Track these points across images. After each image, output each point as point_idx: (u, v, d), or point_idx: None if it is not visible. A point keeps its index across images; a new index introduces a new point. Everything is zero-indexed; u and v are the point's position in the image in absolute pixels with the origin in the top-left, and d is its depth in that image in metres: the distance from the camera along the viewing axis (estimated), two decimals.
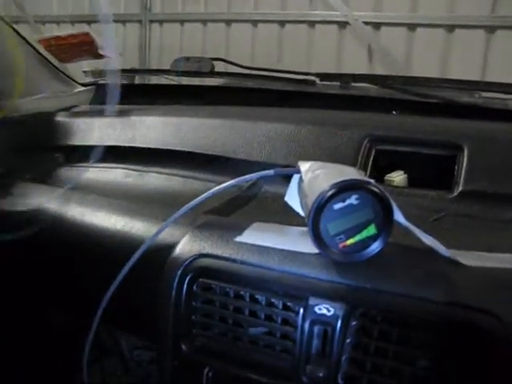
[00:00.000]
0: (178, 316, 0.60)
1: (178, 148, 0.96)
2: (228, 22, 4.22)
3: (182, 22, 4.45)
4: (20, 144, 1.06)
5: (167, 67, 1.37)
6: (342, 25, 3.75)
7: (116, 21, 4.64)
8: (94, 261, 0.72)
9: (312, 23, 3.86)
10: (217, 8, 4.26)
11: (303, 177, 0.60)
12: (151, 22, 4.62)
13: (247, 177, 0.65)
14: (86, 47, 1.17)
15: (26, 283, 0.87)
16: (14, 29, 1.21)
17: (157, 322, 0.62)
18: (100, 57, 1.23)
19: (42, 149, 1.09)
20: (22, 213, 0.85)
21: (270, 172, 0.64)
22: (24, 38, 1.22)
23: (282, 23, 3.98)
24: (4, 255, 0.85)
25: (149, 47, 4.57)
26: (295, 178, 0.66)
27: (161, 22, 4.55)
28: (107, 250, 0.70)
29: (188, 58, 1.23)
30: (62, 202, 0.84)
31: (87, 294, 0.73)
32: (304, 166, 0.63)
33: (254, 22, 4.10)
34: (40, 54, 1.23)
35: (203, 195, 0.64)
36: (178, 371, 0.61)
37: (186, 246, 0.61)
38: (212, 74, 1.22)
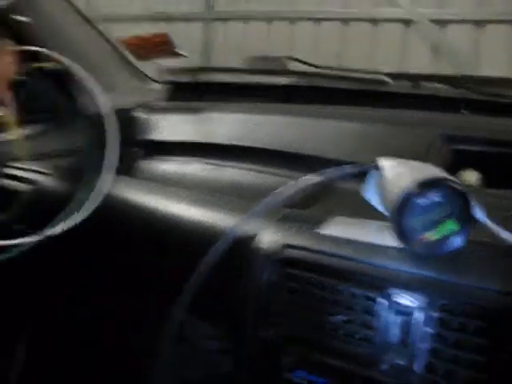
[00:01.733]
0: (262, 304, 0.63)
1: (252, 144, 1.00)
2: (292, 20, 4.25)
3: (245, 19, 4.50)
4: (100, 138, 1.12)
5: (230, 65, 1.42)
6: (406, 22, 3.72)
7: (179, 19, 4.74)
8: (175, 250, 0.76)
9: (375, 21, 3.85)
10: (281, 6, 4.29)
11: (384, 173, 0.63)
12: (215, 20, 4.69)
13: (331, 172, 0.67)
14: (164, 46, 1.22)
15: (111, 271, 0.92)
16: (96, 28, 1.28)
17: (238, 310, 0.66)
18: (177, 56, 1.28)
19: (123, 143, 1.15)
20: (107, 203, 0.90)
21: (353, 168, 0.67)
22: (106, 37, 1.29)
23: (346, 21, 3.98)
24: (90, 243, 0.91)
25: (212, 45, 4.64)
26: (373, 174, 0.68)
27: (224, 20, 4.62)
28: (189, 240, 0.74)
29: (262, 57, 1.26)
30: (145, 194, 0.89)
31: (168, 283, 0.78)
32: (383, 162, 0.66)
33: (318, 20, 4.11)
34: (120, 52, 1.29)
35: (288, 188, 0.67)
36: (259, 358, 0.65)
37: (271, 236, 0.65)
38: (285, 72, 1.25)
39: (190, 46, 4.56)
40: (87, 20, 1.23)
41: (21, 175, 1.03)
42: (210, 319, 0.81)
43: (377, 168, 0.66)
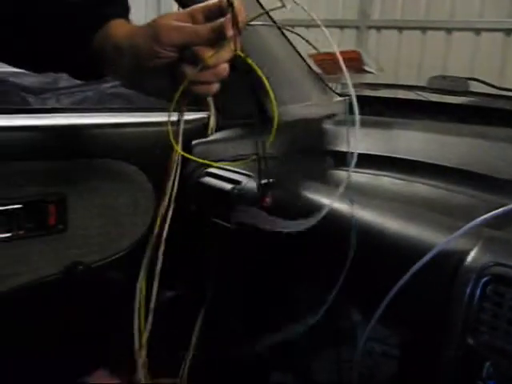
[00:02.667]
0: (469, 314, 0.69)
1: (441, 163, 1.05)
2: (449, 31, 4.19)
3: (400, 29, 4.50)
4: (295, 145, 1.23)
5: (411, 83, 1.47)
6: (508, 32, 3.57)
7: (332, 26, 4.83)
8: (379, 259, 0.84)
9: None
10: (438, 16, 4.25)
11: None
12: (369, 28, 4.73)
13: None
14: (352, 63, 1.31)
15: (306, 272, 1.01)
16: (289, 41, 1.39)
17: (442, 316, 0.72)
18: (364, 72, 1.36)
19: (311, 152, 1.25)
20: (306, 207, 0.99)
21: None
22: (296, 51, 1.40)
23: (508, 32, 3.87)
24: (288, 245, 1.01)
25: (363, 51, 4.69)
26: None
27: (378, 28, 4.66)
28: (393, 250, 0.82)
29: (444, 77, 1.31)
30: (343, 202, 0.97)
31: (370, 289, 0.86)
32: None
33: (477, 31, 4.03)
34: (308, 65, 1.39)
35: (498, 210, 0.72)
36: (460, 361, 0.71)
37: (481, 254, 0.71)
38: (466, 93, 1.29)
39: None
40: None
41: (224, 175, 1.16)
42: (400, 327, 0.87)
43: None
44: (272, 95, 0.89)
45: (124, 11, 0.81)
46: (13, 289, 1.16)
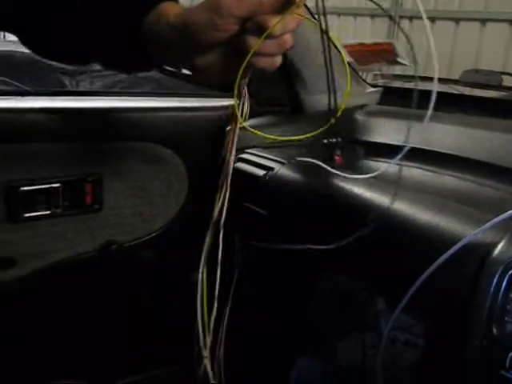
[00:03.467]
0: (494, 304, 0.71)
1: (471, 156, 1.07)
2: (483, 22, 4.14)
3: (433, 19, 4.46)
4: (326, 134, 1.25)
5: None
6: None
7: (364, 15, 4.80)
8: (408, 249, 0.86)
9: None
10: (472, 6, 4.20)
11: None
12: (401, 17, 4.70)
13: None
14: (385, 55, 1.32)
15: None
16: (323, 30, 1.41)
17: (468, 307, 0.75)
18: (396, 64, 1.37)
19: (345, 141, 1.26)
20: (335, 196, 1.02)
21: None
22: (330, 40, 1.41)
23: None
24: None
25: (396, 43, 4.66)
26: None
27: (411, 18, 4.62)
28: (423, 240, 0.84)
29: (478, 71, 1.31)
30: (374, 191, 0.99)
31: (397, 277, 0.88)
32: None
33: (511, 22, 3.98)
34: (342, 55, 1.41)
35: None
36: (485, 350, 0.73)
37: (508, 246, 0.73)
38: (499, 87, 1.30)
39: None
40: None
41: (257, 161, 1.18)
42: (425, 317, 0.89)
43: None
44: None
45: None
46: (51, 264, 1.21)
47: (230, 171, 0.77)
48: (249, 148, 1.24)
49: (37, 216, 1.17)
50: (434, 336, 0.89)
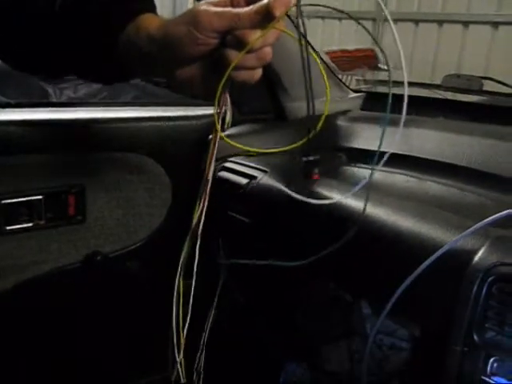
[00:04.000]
0: (475, 311, 0.72)
1: (453, 162, 1.07)
2: (465, 24, 4.18)
3: (416, 21, 4.49)
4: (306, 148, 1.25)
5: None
6: None
7: (348, 17, 4.81)
8: (390, 256, 0.87)
9: None
10: (455, 8, 4.23)
11: None
12: (385, 20, 4.71)
13: None
14: (367, 61, 1.33)
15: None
16: (303, 35, 1.41)
17: (450, 313, 0.75)
18: (378, 69, 1.38)
19: (325, 147, 1.27)
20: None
21: None
22: (311, 46, 1.41)
23: None
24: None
25: (380, 45, 4.67)
26: None
27: (395, 20, 4.62)
28: (404, 247, 0.84)
29: (459, 75, 1.32)
30: (357, 199, 0.99)
31: (380, 284, 0.88)
32: None
33: (495, 25, 4.00)
34: (324, 62, 1.41)
35: (505, 212, 0.75)
36: (466, 356, 0.73)
37: (488, 253, 0.73)
38: (480, 92, 1.31)
39: (358, 45, 4.65)
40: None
41: (240, 170, 1.19)
42: (409, 322, 0.90)
43: None
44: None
45: (152, 7, 0.80)
46: (35, 276, 1.20)
47: (209, 185, 0.77)
48: (232, 156, 1.24)
49: (19, 229, 1.16)
50: (418, 341, 0.90)
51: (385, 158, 0.75)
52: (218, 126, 0.76)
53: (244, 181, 1.15)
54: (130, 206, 1.29)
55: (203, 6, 0.69)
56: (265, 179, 1.12)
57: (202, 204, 0.78)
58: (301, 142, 0.77)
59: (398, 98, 1.40)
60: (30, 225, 1.17)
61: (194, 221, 0.78)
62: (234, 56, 0.68)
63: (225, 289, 1.28)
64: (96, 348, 1.32)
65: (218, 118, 0.77)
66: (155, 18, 0.76)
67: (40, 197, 1.17)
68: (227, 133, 1.37)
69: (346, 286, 0.99)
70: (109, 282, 1.29)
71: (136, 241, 1.31)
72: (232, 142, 0.79)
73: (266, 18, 0.67)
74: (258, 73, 0.73)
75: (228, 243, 1.23)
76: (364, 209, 0.84)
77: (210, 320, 1.31)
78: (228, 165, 1.22)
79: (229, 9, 0.69)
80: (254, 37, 0.67)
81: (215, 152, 0.79)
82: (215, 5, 0.69)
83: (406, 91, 0.69)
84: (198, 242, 0.77)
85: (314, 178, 0.81)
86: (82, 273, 1.26)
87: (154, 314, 1.36)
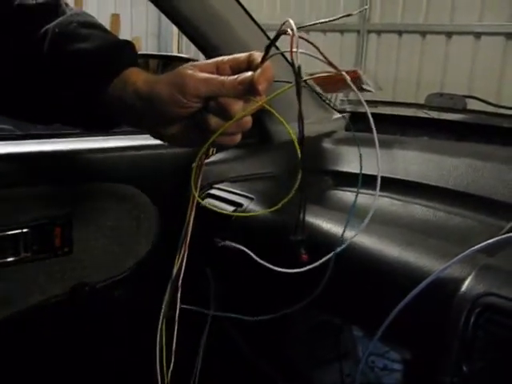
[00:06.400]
0: (463, 342, 0.71)
1: (439, 184, 1.07)
2: (449, 35, 4.20)
3: (400, 32, 4.52)
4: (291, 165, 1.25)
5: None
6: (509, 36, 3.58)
7: (334, 30, 4.84)
8: (378, 285, 0.86)
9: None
10: (438, 19, 4.26)
11: None
12: (369, 32, 4.75)
13: None
14: (352, 82, 1.32)
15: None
16: (286, 58, 1.41)
17: (439, 343, 0.75)
18: (362, 90, 1.38)
19: (309, 171, 1.26)
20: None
21: None
22: (294, 69, 1.41)
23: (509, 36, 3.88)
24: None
25: (365, 57, 4.71)
26: None
27: (379, 32, 4.67)
28: (392, 277, 0.84)
29: (441, 94, 1.33)
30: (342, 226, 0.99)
31: (369, 312, 0.88)
32: None
33: (477, 35, 4.03)
34: (308, 84, 1.41)
35: (493, 240, 0.74)
36: None
37: (475, 283, 0.73)
38: (464, 110, 1.31)
39: (343, 57, 4.67)
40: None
41: (226, 197, 1.18)
42: (400, 349, 0.89)
43: None
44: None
45: (136, 59, 0.81)
46: (23, 310, 1.18)
47: (188, 238, 0.80)
48: (217, 183, 1.23)
49: (5, 263, 1.15)
50: (409, 367, 0.90)
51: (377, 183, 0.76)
52: (196, 194, 0.79)
53: (230, 208, 1.14)
54: (116, 235, 1.28)
55: (190, 71, 0.71)
56: (251, 206, 1.12)
57: (181, 256, 0.79)
58: (287, 198, 0.78)
59: (385, 118, 1.41)
60: (16, 258, 1.16)
61: (174, 272, 0.78)
62: (215, 122, 0.71)
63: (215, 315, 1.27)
64: (86, 380, 1.31)
65: (199, 175, 0.79)
66: (141, 73, 0.77)
67: (25, 230, 1.16)
68: (212, 159, 1.38)
69: (335, 313, 0.99)
70: (97, 312, 1.27)
71: (123, 270, 1.30)
72: (211, 207, 0.92)
73: (249, 89, 0.70)
74: (238, 138, 0.77)
75: (216, 270, 1.22)
76: (342, 234, 0.85)
77: (203, 346, 1.30)
78: (213, 192, 1.21)
79: (215, 76, 0.72)
80: (237, 107, 0.71)
81: (193, 212, 0.81)
82: (201, 69, 0.72)
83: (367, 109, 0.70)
84: (179, 293, 0.78)
85: (303, 259, 0.82)
86: (69, 304, 1.24)
87: (142, 344, 1.35)
